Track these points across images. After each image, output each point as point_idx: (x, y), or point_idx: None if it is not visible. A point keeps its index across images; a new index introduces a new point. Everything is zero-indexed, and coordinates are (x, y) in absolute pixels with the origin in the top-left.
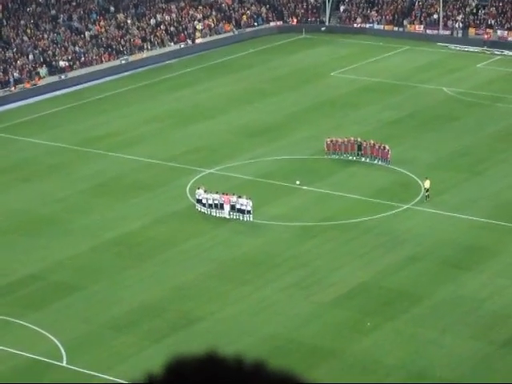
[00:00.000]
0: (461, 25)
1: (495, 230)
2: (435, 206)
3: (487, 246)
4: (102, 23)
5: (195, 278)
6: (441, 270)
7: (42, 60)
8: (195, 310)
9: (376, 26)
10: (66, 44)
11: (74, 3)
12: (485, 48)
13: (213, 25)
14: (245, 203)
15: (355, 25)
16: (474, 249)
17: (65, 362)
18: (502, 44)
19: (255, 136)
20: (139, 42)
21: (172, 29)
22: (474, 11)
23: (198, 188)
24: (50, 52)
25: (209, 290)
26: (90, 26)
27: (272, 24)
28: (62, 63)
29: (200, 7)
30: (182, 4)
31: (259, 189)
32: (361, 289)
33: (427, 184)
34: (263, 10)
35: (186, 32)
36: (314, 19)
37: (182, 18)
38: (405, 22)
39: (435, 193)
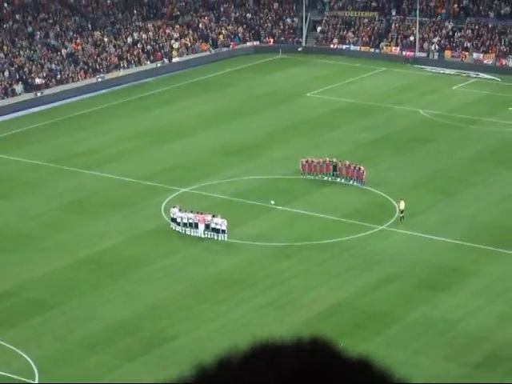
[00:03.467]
0: (437, 47)
1: (470, 251)
2: (410, 227)
3: (461, 268)
4: (78, 41)
5: (169, 296)
6: (415, 291)
7: (17, 77)
8: (169, 329)
9: (352, 48)
10: (42, 61)
11: (50, 21)
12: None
13: (189, 44)
14: (219, 222)
15: (332, 46)
16: (448, 270)
17: (37, 379)
18: (477, 67)
19: (231, 155)
20: (116, 60)
21: (149, 47)
22: (450, 34)
23: (173, 207)
24: (26, 69)
25: (183, 309)
26: (66, 43)
27: (249, 44)
28: (38, 80)
29: (177, 26)
30: (159, 23)
31: (234, 208)
32: (335, 309)
33: (402, 205)
34: (240, 29)
35: (162, 51)
36: (290, 40)
37: (158, 36)
38: (381, 44)
39: (410, 214)
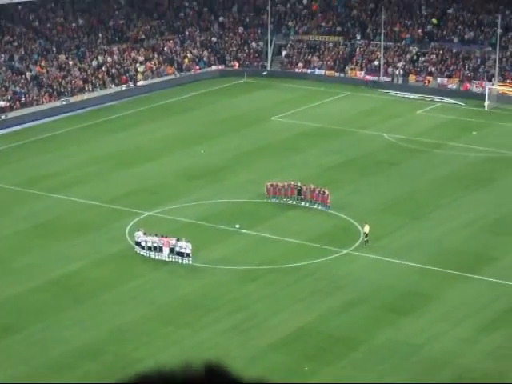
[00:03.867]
0: (401, 72)
1: (434, 275)
2: (374, 251)
3: (426, 292)
4: (43, 64)
5: (134, 320)
6: (379, 315)
7: None
8: (133, 353)
9: (317, 72)
10: (6, 84)
11: (15, 43)
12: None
13: (155, 67)
14: (184, 246)
15: (297, 70)
16: (413, 294)
17: None
18: (441, 91)
19: (195, 179)
20: (80, 83)
21: (114, 70)
22: (415, 58)
23: (138, 230)
24: None
25: (147, 333)
26: (31, 66)
27: (214, 67)
28: (1, 103)
29: (142, 50)
30: (124, 46)
31: (199, 232)
32: (300, 333)
33: (366, 229)
34: (205, 53)
35: (127, 74)
36: (255, 63)
37: (123, 59)
38: (346, 68)
39: (374, 238)
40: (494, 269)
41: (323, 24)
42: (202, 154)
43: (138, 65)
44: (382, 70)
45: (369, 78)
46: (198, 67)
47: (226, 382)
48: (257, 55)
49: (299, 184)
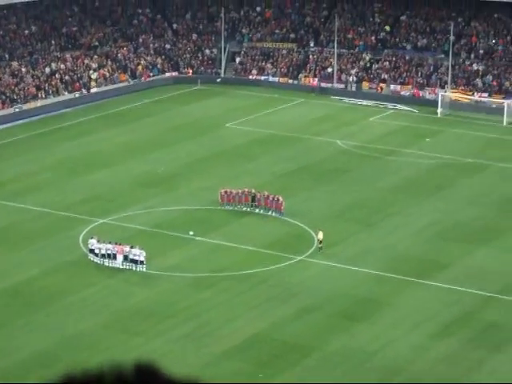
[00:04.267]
0: (355, 78)
1: (387, 282)
2: (328, 257)
3: (379, 299)
4: None
5: (88, 328)
6: (333, 322)
7: None
8: (88, 360)
9: (271, 79)
10: None
11: None
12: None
13: (108, 74)
14: (138, 253)
15: (251, 77)
16: (367, 301)
17: None
18: (394, 98)
19: (150, 186)
20: (34, 90)
21: (67, 78)
22: (368, 65)
23: (91, 238)
24: None
25: (101, 341)
26: None
27: (167, 74)
28: None
29: (95, 57)
30: (78, 53)
31: (153, 239)
32: (254, 340)
33: (320, 236)
34: (159, 60)
35: (81, 81)
36: (209, 70)
37: (77, 67)
38: (299, 75)
39: (328, 245)
40: (446, 275)
41: (277, 31)
42: (149, 160)
43: (91, 72)
44: (335, 77)
45: (316, 83)
46: (151, 74)
47: (157, 381)
48: (211, 62)
49: (253, 191)
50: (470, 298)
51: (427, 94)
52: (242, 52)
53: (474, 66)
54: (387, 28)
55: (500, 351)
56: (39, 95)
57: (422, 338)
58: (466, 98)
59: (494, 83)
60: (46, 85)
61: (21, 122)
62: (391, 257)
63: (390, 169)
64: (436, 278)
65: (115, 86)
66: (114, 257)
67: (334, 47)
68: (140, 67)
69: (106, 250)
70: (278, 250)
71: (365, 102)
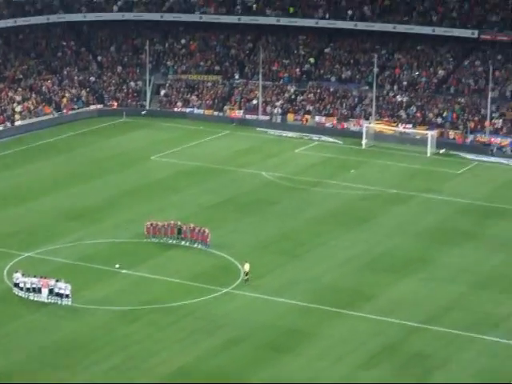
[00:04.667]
0: (279, 110)
1: (314, 313)
2: (255, 289)
3: (306, 330)
4: None
5: (12, 363)
6: (260, 354)
7: None
8: None
9: (196, 111)
10: None
11: None
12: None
13: (32, 107)
14: (63, 287)
15: (176, 109)
16: (293, 332)
17: None
18: (319, 130)
19: (74, 219)
20: None
21: None
22: (293, 97)
23: (16, 271)
24: None
25: (26, 376)
26: None
27: (92, 107)
28: None
29: (19, 89)
30: (1, 86)
31: (78, 272)
32: (180, 372)
33: (247, 267)
34: (83, 92)
35: (4, 114)
36: (134, 103)
37: (0, 99)
38: (225, 107)
39: (255, 276)
40: (371, 306)
41: (202, 63)
42: (74, 193)
43: (15, 105)
44: (260, 109)
45: (234, 116)
46: (75, 107)
47: None
48: (135, 94)
49: (179, 223)
50: (395, 329)
51: (352, 125)
52: (167, 84)
53: (398, 98)
54: (311, 60)
55: (426, 380)
56: None
57: (349, 369)
58: (390, 130)
59: (418, 114)
60: None
61: None
62: (317, 288)
63: (315, 200)
64: (361, 308)
65: (40, 118)
66: (39, 291)
67: (258, 79)
68: (64, 100)
69: (31, 283)
70: (204, 282)
71: (290, 134)
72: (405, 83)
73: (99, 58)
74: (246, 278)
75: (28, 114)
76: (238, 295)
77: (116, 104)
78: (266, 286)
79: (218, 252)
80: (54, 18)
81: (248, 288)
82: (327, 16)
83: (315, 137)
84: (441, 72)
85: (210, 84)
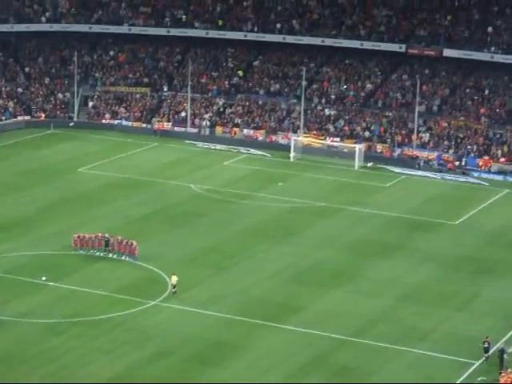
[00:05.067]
0: (208, 123)
1: (241, 325)
2: (183, 301)
3: (234, 342)
4: None
5: None
6: (188, 366)
7: None
8: None
9: (124, 123)
10: None
11: None
12: (232, 146)
13: None
14: None
15: (104, 121)
16: (221, 344)
17: None
18: (248, 142)
19: (1, 231)
20: None
21: None
22: (221, 110)
23: None
24: None
25: None
26: None
27: (20, 118)
28: None
29: None
30: None
31: (4, 285)
32: None
33: (174, 280)
34: (11, 104)
35: None
36: (62, 114)
37: None
38: (153, 119)
39: (183, 289)
40: (299, 318)
41: (130, 75)
42: (1, 205)
43: None
44: (189, 122)
45: (157, 127)
46: (3, 118)
47: None
48: (63, 106)
49: (107, 235)
50: (323, 341)
51: (280, 138)
52: (95, 96)
53: (326, 111)
54: (240, 73)
55: None
56: None
57: (277, 380)
58: (318, 143)
59: (346, 128)
60: None
61: None
62: (245, 300)
63: (243, 213)
64: (289, 321)
65: None
66: None
67: (187, 92)
68: None
69: None
70: (132, 294)
71: (218, 147)
72: (333, 97)
73: (27, 69)
74: (173, 290)
75: None
76: (165, 308)
77: (44, 115)
78: (193, 299)
79: (145, 264)
80: None
81: (176, 300)
82: (256, 29)
83: (243, 149)
84: (369, 86)
85: (138, 96)
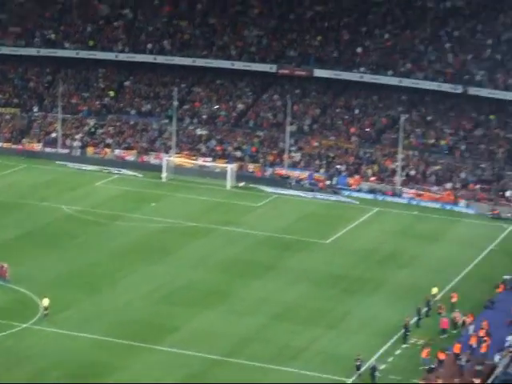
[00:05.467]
0: (79, 143)
1: (115, 347)
2: (55, 324)
3: (107, 364)
4: None
5: None
6: None
7: None
8: None
9: None
10: None
11: None
12: (103, 167)
13: None
14: None
15: None
16: (94, 366)
17: None
18: (119, 163)
19: None
20: None
21: None
22: (93, 130)
23: None
24: None
25: None
26: None
27: None
28: None
29: None
30: None
31: None
32: None
33: (46, 302)
34: None
35: None
36: None
37: None
38: (23, 140)
39: (55, 311)
40: (173, 338)
41: (0, 96)
42: None
43: None
44: (59, 142)
45: (22, 148)
46: None
47: None
48: None
49: None
50: (197, 362)
51: (152, 158)
52: None
53: (198, 131)
54: (111, 93)
55: None
56: None
57: None
58: (190, 163)
59: (218, 148)
60: None
61: None
62: (118, 321)
63: (116, 234)
64: (163, 342)
65: None
66: None
67: (58, 112)
68: None
69: None
70: (2, 317)
71: (90, 167)
72: (204, 117)
73: None
74: (45, 313)
75: None
76: (37, 330)
77: None
78: (66, 321)
79: (16, 287)
80: None
81: (47, 323)
82: (127, 49)
83: (115, 170)
84: (240, 106)
85: (8, 117)
